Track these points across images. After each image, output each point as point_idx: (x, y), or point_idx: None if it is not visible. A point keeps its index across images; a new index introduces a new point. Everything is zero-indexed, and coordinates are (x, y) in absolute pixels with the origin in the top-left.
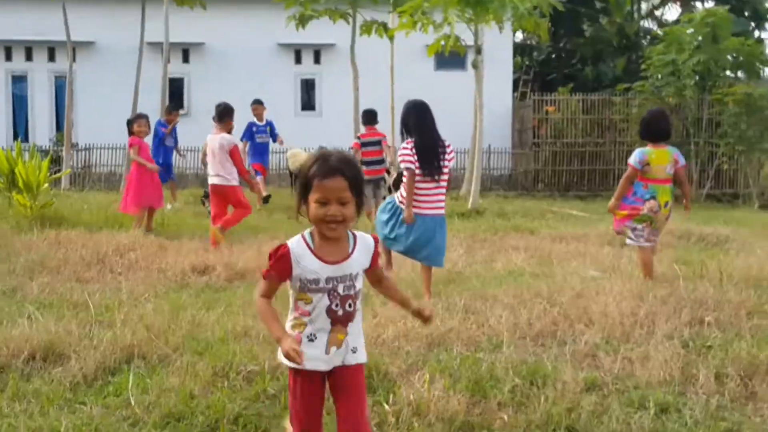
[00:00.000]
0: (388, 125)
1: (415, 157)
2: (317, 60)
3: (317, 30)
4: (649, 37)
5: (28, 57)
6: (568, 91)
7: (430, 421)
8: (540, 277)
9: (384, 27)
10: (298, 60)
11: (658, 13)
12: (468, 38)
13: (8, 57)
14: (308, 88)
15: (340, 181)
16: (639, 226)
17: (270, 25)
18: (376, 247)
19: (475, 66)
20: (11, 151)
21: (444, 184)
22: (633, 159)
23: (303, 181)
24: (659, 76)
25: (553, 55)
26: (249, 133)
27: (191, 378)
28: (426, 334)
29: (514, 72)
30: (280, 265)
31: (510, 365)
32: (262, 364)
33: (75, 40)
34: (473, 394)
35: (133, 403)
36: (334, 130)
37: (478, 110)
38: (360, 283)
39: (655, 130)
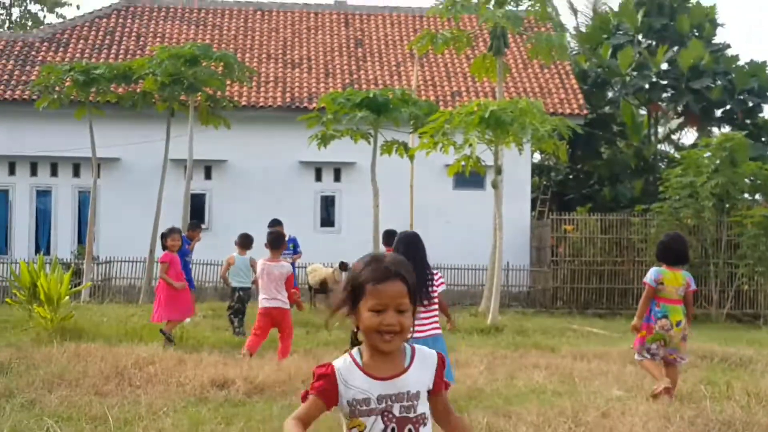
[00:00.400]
0: None
1: None
2: (337, 178)
3: (338, 149)
4: (666, 159)
5: (53, 172)
6: (587, 211)
7: None
8: (563, 395)
9: (404, 147)
10: (318, 177)
11: (674, 136)
12: (487, 158)
13: (33, 172)
14: (328, 204)
15: (398, 286)
16: (653, 346)
17: (291, 143)
18: (440, 365)
19: (494, 186)
20: (33, 264)
21: (434, 308)
22: (648, 278)
23: (353, 287)
24: (677, 198)
25: (571, 176)
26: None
27: None
28: None
29: (532, 191)
30: (324, 385)
31: None
32: None
33: (100, 156)
34: None
35: None
36: (353, 247)
37: (498, 229)
38: (423, 407)
39: (672, 254)
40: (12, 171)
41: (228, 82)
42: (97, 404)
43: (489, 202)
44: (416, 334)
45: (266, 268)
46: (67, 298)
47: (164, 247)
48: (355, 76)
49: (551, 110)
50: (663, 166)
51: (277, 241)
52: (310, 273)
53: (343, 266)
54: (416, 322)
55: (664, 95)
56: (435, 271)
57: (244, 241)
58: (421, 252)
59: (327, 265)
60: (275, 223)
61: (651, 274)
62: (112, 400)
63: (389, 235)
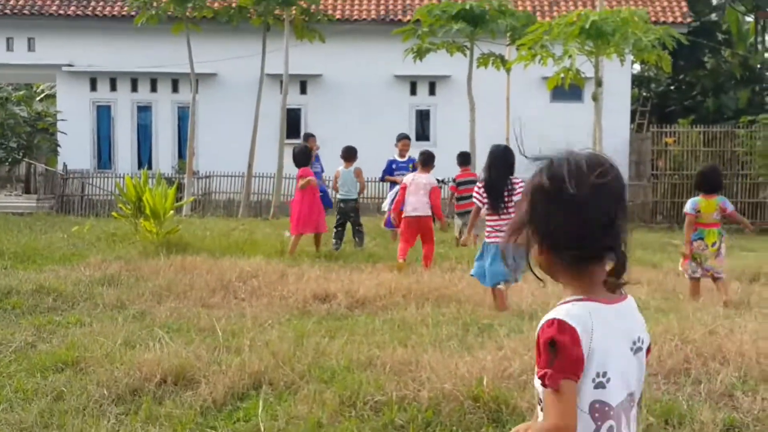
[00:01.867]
0: None
1: (484, 195)
2: (432, 91)
3: (433, 62)
4: None
5: (153, 88)
6: (689, 123)
7: None
8: (667, 312)
9: (501, 59)
10: (413, 91)
11: None
12: (586, 69)
13: (134, 88)
14: (423, 118)
15: None
16: (693, 265)
17: (386, 57)
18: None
19: (594, 99)
20: (138, 179)
21: (508, 217)
22: (688, 207)
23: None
24: None
25: (672, 87)
26: (389, 171)
27: (319, 406)
28: None
29: (632, 103)
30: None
31: (643, 403)
32: (390, 395)
33: (198, 72)
34: None
35: (262, 429)
36: (448, 161)
37: (597, 143)
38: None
39: (708, 184)
40: (113, 87)
41: None
42: (204, 316)
43: (587, 115)
44: (491, 239)
45: (413, 180)
46: (171, 212)
47: (304, 159)
48: None
49: (653, 19)
50: None
51: (427, 160)
52: None
53: None
54: (490, 229)
55: None
56: (517, 180)
57: (348, 154)
58: (502, 164)
59: None
60: (404, 137)
61: (690, 204)
62: (219, 312)
63: (463, 156)
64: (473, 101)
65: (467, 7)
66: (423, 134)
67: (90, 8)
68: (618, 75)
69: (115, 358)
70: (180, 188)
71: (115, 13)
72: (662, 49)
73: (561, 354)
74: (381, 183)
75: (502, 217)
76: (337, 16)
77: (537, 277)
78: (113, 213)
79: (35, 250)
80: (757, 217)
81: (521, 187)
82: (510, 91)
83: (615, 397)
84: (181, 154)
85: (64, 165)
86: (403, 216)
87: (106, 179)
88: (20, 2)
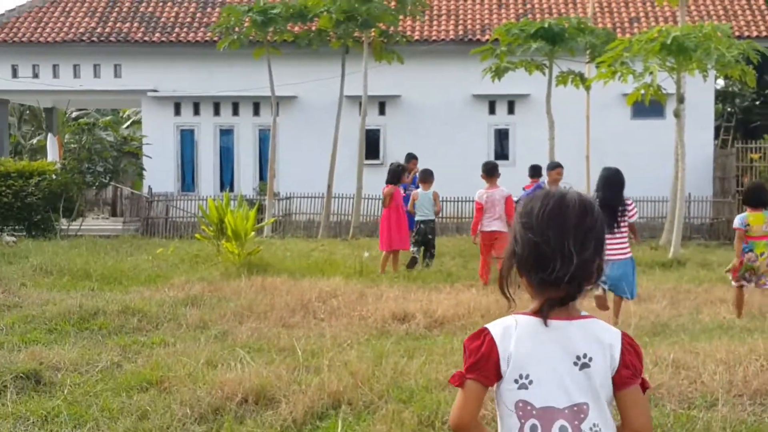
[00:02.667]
0: (584, 174)
1: None
2: (511, 110)
3: (511, 81)
4: None
5: (235, 112)
6: None
7: None
8: (752, 332)
9: (581, 77)
10: (492, 110)
11: None
12: (668, 86)
13: (216, 112)
14: (502, 137)
15: None
16: (746, 275)
17: (465, 76)
18: None
19: (676, 115)
20: (220, 201)
21: (621, 235)
22: (737, 223)
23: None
24: None
25: (757, 102)
26: None
27: (397, 426)
28: None
29: (716, 119)
30: None
31: (728, 425)
32: None
33: (278, 95)
34: None
35: None
36: (527, 180)
37: (680, 159)
38: None
39: (755, 199)
40: (197, 111)
41: (401, 17)
42: (284, 336)
43: (669, 131)
44: (616, 256)
45: (487, 195)
46: (252, 233)
47: (391, 177)
48: (528, 5)
49: (737, 33)
50: None
51: (492, 170)
52: None
53: None
54: (613, 247)
55: None
56: (629, 201)
57: (425, 177)
58: (615, 185)
59: None
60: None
61: (739, 220)
62: (299, 332)
63: (534, 169)
64: (552, 119)
65: (546, 25)
66: (502, 153)
67: (174, 35)
68: (701, 90)
69: (197, 377)
70: (261, 210)
71: (198, 39)
72: (746, 63)
73: (471, 358)
74: (459, 203)
75: (616, 235)
76: (416, 37)
77: (504, 296)
78: (196, 235)
79: (121, 272)
80: None
81: (633, 207)
82: (590, 108)
83: (541, 400)
84: (262, 176)
85: (149, 188)
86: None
87: (189, 202)
88: (107, 30)
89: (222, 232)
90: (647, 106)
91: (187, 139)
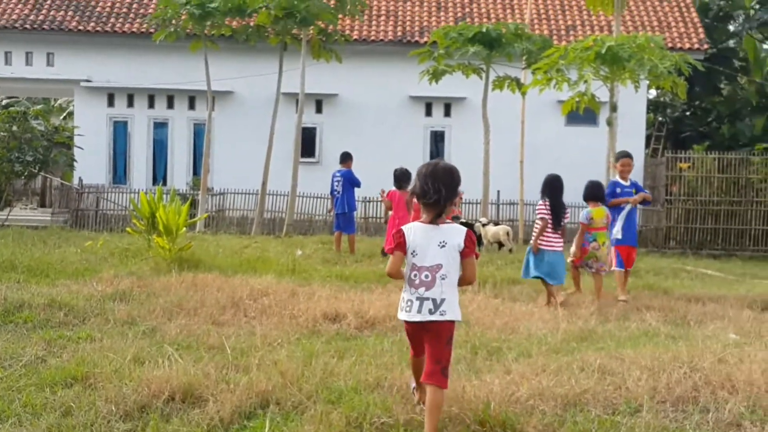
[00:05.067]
0: (517, 179)
1: (549, 214)
2: (447, 113)
3: (449, 84)
4: None
5: (170, 105)
6: (704, 149)
7: None
8: (677, 339)
9: (517, 82)
10: (428, 112)
11: None
12: (602, 94)
13: (151, 104)
14: (437, 140)
15: None
16: (590, 261)
17: (402, 78)
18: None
19: (609, 123)
20: (152, 195)
21: (560, 232)
22: (583, 218)
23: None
24: None
25: (688, 113)
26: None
27: (325, 427)
28: (561, 394)
29: (647, 128)
30: None
31: (651, 431)
32: (396, 417)
33: (215, 89)
34: None
35: None
36: (462, 182)
37: (612, 167)
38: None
39: (593, 195)
40: (131, 103)
41: (340, 16)
42: (214, 333)
43: (602, 139)
44: (550, 248)
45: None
46: (184, 228)
47: (396, 181)
48: (467, 9)
49: (670, 45)
50: None
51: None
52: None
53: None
54: (551, 240)
55: None
56: (566, 206)
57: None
58: (561, 190)
59: None
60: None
61: (584, 215)
62: (229, 330)
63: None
64: (488, 123)
65: (484, 30)
66: (437, 155)
67: (109, 24)
68: (633, 100)
69: (124, 374)
70: (194, 205)
71: (134, 29)
72: (678, 75)
73: (396, 241)
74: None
75: (558, 232)
76: (354, 37)
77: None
78: (127, 228)
79: (48, 264)
80: None
81: (567, 210)
82: (525, 114)
83: (421, 261)
84: (195, 171)
85: (80, 179)
86: None
87: (120, 194)
88: (40, 17)
89: (153, 226)
90: (581, 114)
91: (120, 131)
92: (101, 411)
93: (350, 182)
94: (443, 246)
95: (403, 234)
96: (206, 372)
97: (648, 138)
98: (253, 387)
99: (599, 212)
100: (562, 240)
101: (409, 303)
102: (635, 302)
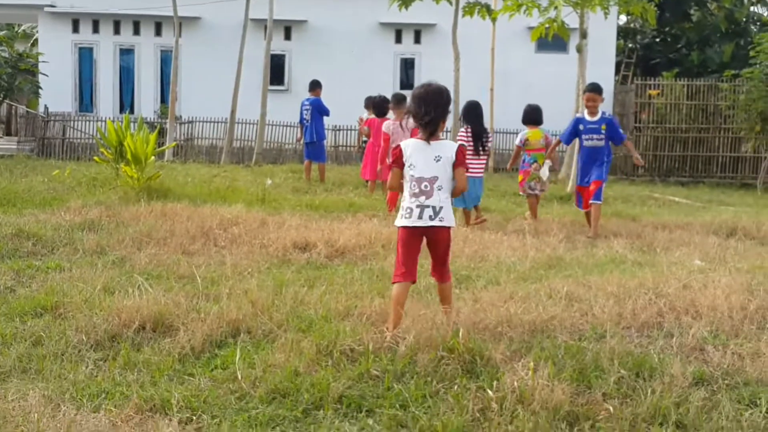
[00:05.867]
0: (487, 107)
1: (469, 140)
2: (417, 40)
3: (419, 10)
4: (759, 23)
5: (136, 31)
6: (673, 76)
7: (534, 409)
8: (643, 266)
9: (487, 9)
10: (398, 39)
11: None
12: (572, 21)
13: (117, 30)
14: (407, 67)
15: None
16: (532, 183)
17: (372, 4)
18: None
19: (579, 50)
20: (119, 123)
21: (484, 157)
22: (517, 141)
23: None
24: None
25: (657, 39)
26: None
27: (296, 355)
28: (528, 321)
29: (617, 55)
30: None
31: (615, 356)
32: (366, 345)
33: (181, 15)
34: (578, 384)
35: (240, 377)
36: None
37: (580, 95)
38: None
39: (532, 118)
40: (96, 29)
41: None
42: (184, 263)
43: (572, 66)
44: (475, 173)
45: (394, 126)
46: (152, 157)
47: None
48: None
49: None
50: (755, 30)
51: (403, 100)
52: None
53: None
54: (474, 166)
55: None
56: (488, 132)
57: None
58: (481, 116)
59: None
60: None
61: (519, 137)
62: (199, 260)
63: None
64: (458, 51)
65: None
66: (407, 82)
67: None
68: (603, 27)
69: (94, 304)
70: (162, 133)
71: None
72: (648, 1)
73: (394, 157)
74: None
75: (481, 157)
76: None
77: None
78: (94, 157)
79: (15, 194)
80: (738, 171)
81: (490, 136)
82: (495, 41)
83: (419, 173)
84: (163, 99)
85: (46, 107)
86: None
87: (87, 123)
88: None
89: (121, 155)
90: (551, 41)
91: (86, 58)
92: (72, 340)
93: (319, 111)
94: (438, 160)
95: (401, 150)
96: (177, 301)
97: (618, 65)
98: (224, 316)
99: (536, 134)
100: (483, 164)
101: (409, 210)
102: (603, 230)
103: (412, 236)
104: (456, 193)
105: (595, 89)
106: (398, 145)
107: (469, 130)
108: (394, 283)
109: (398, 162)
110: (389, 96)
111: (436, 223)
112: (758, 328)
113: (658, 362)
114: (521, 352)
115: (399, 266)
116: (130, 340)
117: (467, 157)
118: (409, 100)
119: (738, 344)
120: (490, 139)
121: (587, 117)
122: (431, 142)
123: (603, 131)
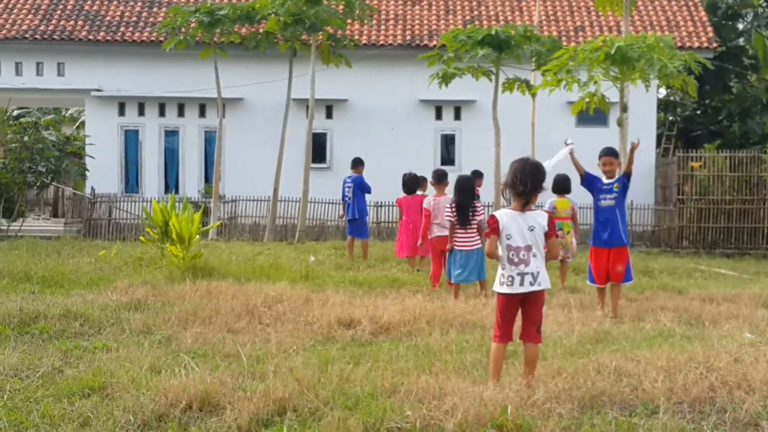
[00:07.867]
0: None
1: (453, 214)
2: (458, 116)
3: (458, 87)
4: None
5: (180, 113)
6: (715, 148)
7: None
8: (692, 339)
9: (527, 84)
10: (438, 116)
11: None
12: (611, 95)
13: (162, 113)
14: (448, 143)
15: None
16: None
17: (412, 82)
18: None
19: (620, 124)
20: (165, 203)
21: (472, 230)
22: (547, 207)
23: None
24: None
25: (698, 111)
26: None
27: None
28: (578, 396)
29: (658, 128)
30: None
31: None
32: (413, 422)
33: (225, 96)
34: None
35: None
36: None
37: (622, 168)
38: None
39: (560, 188)
40: (141, 111)
41: (348, 21)
42: (229, 341)
43: (613, 139)
44: (461, 247)
45: (435, 202)
46: (197, 236)
47: (410, 192)
48: (476, 12)
49: (679, 44)
50: None
51: (443, 176)
52: None
53: None
54: (462, 240)
55: None
56: (478, 204)
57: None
58: (468, 190)
59: None
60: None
61: (548, 204)
62: (244, 338)
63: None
64: (498, 126)
65: (493, 32)
66: (448, 158)
67: (119, 34)
68: (643, 100)
69: (141, 383)
70: (206, 212)
71: (144, 38)
72: (688, 74)
73: (490, 227)
74: None
75: (468, 230)
76: (363, 42)
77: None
78: (140, 237)
79: (63, 275)
80: None
81: (480, 208)
82: (535, 115)
83: (515, 242)
84: (207, 179)
85: (92, 189)
86: (430, 238)
87: (133, 203)
88: (51, 27)
89: (166, 235)
90: (591, 115)
91: (132, 140)
92: (119, 421)
93: (361, 188)
94: (532, 229)
95: (497, 220)
96: (223, 380)
97: (659, 137)
98: (270, 394)
99: (563, 203)
100: (474, 238)
101: (510, 278)
102: (650, 303)
103: (512, 302)
104: (549, 259)
105: (610, 153)
106: (493, 215)
107: (454, 204)
108: (494, 343)
109: (495, 230)
110: (426, 173)
111: (535, 288)
112: None
113: None
114: (571, 429)
115: (498, 328)
116: (177, 419)
117: (457, 232)
118: (507, 171)
119: None
120: (479, 213)
121: (604, 180)
122: (524, 212)
123: (615, 189)
